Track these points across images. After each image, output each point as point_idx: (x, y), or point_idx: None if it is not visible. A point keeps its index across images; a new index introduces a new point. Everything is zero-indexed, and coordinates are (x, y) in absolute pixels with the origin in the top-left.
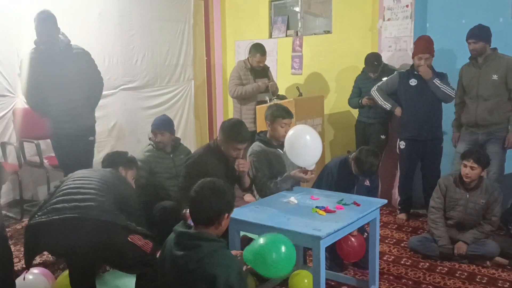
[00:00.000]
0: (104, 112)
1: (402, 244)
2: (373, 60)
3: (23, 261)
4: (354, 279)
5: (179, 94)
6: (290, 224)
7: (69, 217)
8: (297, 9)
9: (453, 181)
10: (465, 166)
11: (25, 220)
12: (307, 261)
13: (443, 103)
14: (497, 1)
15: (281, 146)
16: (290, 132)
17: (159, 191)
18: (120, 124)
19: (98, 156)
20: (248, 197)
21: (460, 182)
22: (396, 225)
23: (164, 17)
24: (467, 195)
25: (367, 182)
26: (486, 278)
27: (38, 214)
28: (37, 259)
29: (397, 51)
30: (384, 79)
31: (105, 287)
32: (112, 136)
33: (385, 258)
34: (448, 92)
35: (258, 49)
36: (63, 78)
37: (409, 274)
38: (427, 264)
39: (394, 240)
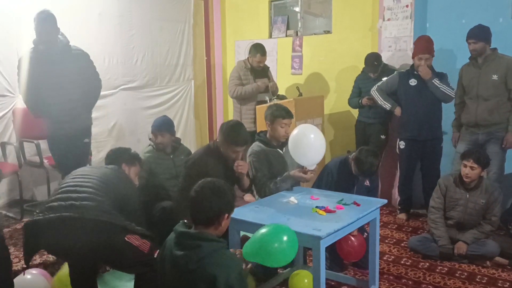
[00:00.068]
0: (104, 112)
1: (402, 244)
2: (373, 60)
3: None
4: (354, 279)
5: (179, 94)
6: (290, 224)
7: (64, 216)
8: (297, 9)
9: (453, 181)
10: (465, 166)
11: (25, 220)
12: (307, 261)
13: (443, 103)
14: (497, 1)
15: (281, 146)
16: (295, 131)
17: (159, 191)
18: (120, 124)
19: (98, 156)
20: (248, 197)
21: (460, 182)
22: (396, 225)
23: (164, 17)
24: (467, 195)
25: (367, 182)
26: (486, 278)
27: (36, 212)
28: (37, 259)
29: (397, 51)
30: (384, 79)
31: (105, 287)
32: (112, 136)
33: (385, 258)
34: (447, 92)
35: (258, 49)
36: (61, 78)
37: (409, 274)
38: (427, 264)
39: (394, 240)
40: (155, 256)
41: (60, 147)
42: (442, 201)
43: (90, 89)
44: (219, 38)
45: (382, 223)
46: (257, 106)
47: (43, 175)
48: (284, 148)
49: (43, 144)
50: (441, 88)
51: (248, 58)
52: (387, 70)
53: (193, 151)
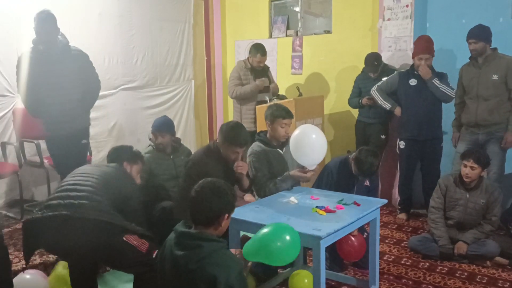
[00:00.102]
0: (104, 112)
1: (402, 244)
2: (373, 60)
3: (23, 261)
4: (354, 279)
5: (179, 94)
6: (290, 224)
7: (62, 214)
8: (297, 9)
9: (453, 181)
10: (465, 166)
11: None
12: (307, 261)
13: (443, 103)
14: (497, 1)
15: (281, 146)
16: (296, 131)
17: (159, 191)
18: (120, 124)
19: (98, 156)
20: (248, 197)
21: (460, 182)
22: (396, 225)
23: (164, 17)
24: (467, 195)
25: (366, 183)
26: (486, 278)
27: (36, 209)
28: (37, 260)
29: (397, 51)
30: (384, 79)
31: (105, 287)
32: (112, 136)
33: (385, 258)
34: (447, 92)
35: (258, 49)
36: (60, 78)
37: (409, 274)
38: (427, 264)
39: (394, 240)
40: (153, 256)
41: (59, 148)
42: (442, 201)
43: (89, 90)
44: (219, 38)
45: (382, 223)
46: (257, 106)
47: (43, 175)
48: (284, 148)
49: (43, 144)
50: (441, 88)
51: (248, 58)
52: (387, 70)
53: (193, 151)
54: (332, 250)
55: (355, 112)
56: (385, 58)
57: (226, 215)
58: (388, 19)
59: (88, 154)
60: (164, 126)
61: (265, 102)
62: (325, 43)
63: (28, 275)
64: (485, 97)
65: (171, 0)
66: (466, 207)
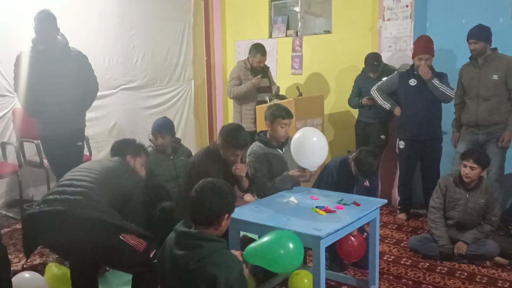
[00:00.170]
0: (104, 112)
1: (402, 244)
2: (373, 60)
3: (22, 262)
4: (354, 279)
5: (179, 94)
6: (290, 224)
7: (57, 209)
8: (297, 9)
9: (453, 181)
10: (465, 166)
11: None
12: (307, 261)
13: (443, 103)
14: (497, 1)
15: (281, 146)
16: (297, 134)
17: (159, 191)
18: (120, 124)
19: (98, 156)
20: (248, 197)
21: (460, 182)
22: (396, 225)
23: (164, 17)
24: (467, 195)
25: (366, 183)
26: (486, 278)
27: (35, 205)
28: (37, 260)
29: (397, 51)
30: (384, 79)
31: (106, 287)
32: (112, 136)
33: (385, 258)
34: (447, 93)
35: (258, 49)
36: (60, 78)
37: (409, 274)
38: (427, 264)
39: (394, 240)
40: (150, 256)
41: (54, 148)
42: (442, 201)
43: (86, 92)
44: (219, 38)
45: (382, 223)
46: (257, 106)
47: (43, 175)
48: (284, 148)
49: None
50: (440, 88)
51: (248, 58)
52: (387, 70)
53: (193, 151)
54: (332, 250)
55: (355, 112)
56: (385, 58)
57: (226, 215)
58: (388, 19)
59: (88, 154)
60: (164, 127)
61: (265, 102)
62: (325, 43)
63: (27, 274)
64: (485, 97)
65: (171, 0)
66: (466, 207)
